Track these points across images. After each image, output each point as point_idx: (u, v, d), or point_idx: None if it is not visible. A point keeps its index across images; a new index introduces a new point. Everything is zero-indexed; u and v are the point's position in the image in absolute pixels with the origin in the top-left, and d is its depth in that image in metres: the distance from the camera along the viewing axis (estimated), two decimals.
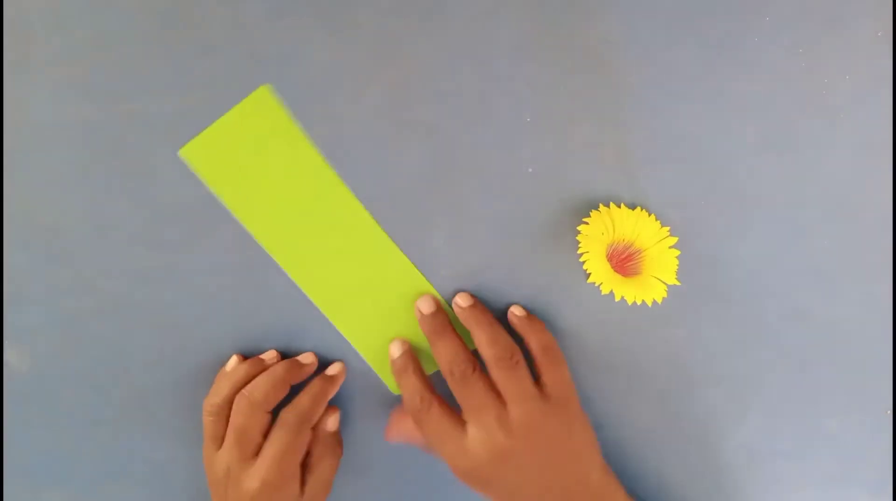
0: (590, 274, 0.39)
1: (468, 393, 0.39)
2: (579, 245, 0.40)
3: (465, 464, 0.38)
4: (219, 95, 0.43)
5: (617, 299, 0.40)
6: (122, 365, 0.45)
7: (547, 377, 0.40)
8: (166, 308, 0.44)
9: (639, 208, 0.43)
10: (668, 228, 0.43)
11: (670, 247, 0.43)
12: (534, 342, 0.41)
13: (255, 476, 0.40)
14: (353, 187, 0.44)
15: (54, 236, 0.44)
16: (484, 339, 0.40)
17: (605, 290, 0.40)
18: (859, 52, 0.43)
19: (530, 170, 0.43)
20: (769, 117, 0.43)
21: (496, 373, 0.39)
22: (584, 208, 0.43)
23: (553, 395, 0.40)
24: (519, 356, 0.40)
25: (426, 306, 0.42)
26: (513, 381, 0.39)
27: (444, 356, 0.40)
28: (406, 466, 0.46)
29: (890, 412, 0.45)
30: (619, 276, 0.41)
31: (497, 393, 0.39)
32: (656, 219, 0.43)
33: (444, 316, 0.42)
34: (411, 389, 0.41)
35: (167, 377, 0.45)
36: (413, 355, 0.42)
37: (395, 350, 0.42)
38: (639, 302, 0.41)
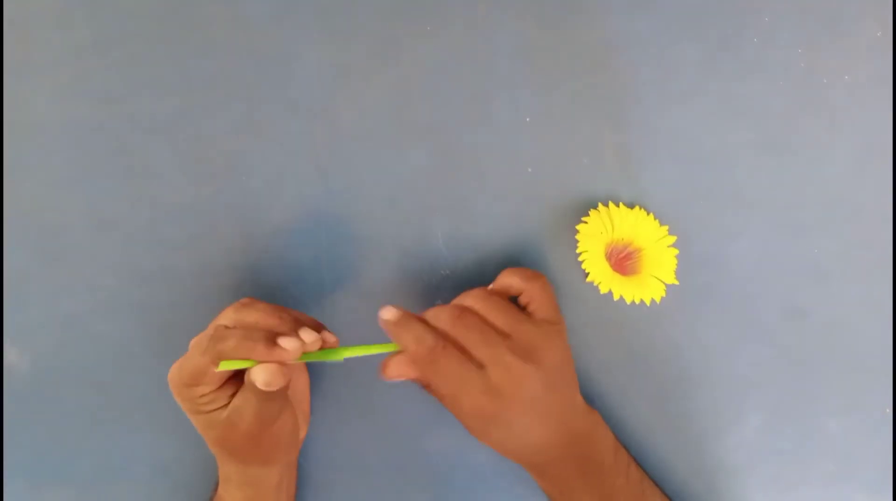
0: (588, 273, 0.39)
1: (450, 360, 0.37)
2: (578, 244, 0.40)
3: (483, 401, 0.37)
4: (219, 95, 0.43)
5: (615, 298, 0.40)
6: (121, 365, 0.45)
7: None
8: (166, 308, 0.44)
9: (637, 208, 0.43)
10: (666, 227, 0.43)
11: (669, 246, 0.43)
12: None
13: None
14: (354, 187, 0.44)
15: (54, 236, 0.44)
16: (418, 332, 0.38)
17: (603, 289, 0.40)
18: (859, 52, 0.43)
19: (530, 170, 0.44)
20: (769, 117, 0.43)
21: (461, 333, 0.38)
22: (584, 208, 0.43)
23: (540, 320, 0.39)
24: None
25: (389, 314, 0.38)
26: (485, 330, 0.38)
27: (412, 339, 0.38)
28: (406, 466, 0.46)
29: (889, 411, 0.45)
30: (617, 275, 0.41)
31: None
32: (655, 218, 0.43)
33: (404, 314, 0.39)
34: (419, 332, 0.37)
35: (167, 377, 0.45)
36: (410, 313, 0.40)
37: (387, 312, 0.39)
38: (637, 301, 0.41)
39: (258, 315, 0.37)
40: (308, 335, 0.36)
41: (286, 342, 0.35)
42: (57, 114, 0.43)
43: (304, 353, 0.37)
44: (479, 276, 0.44)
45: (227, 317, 0.37)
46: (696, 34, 0.43)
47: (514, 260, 0.44)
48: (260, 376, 0.35)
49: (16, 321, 0.44)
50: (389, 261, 0.44)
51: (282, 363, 0.36)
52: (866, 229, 0.44)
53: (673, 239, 0.43)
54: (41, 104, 0.43)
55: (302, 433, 0.42)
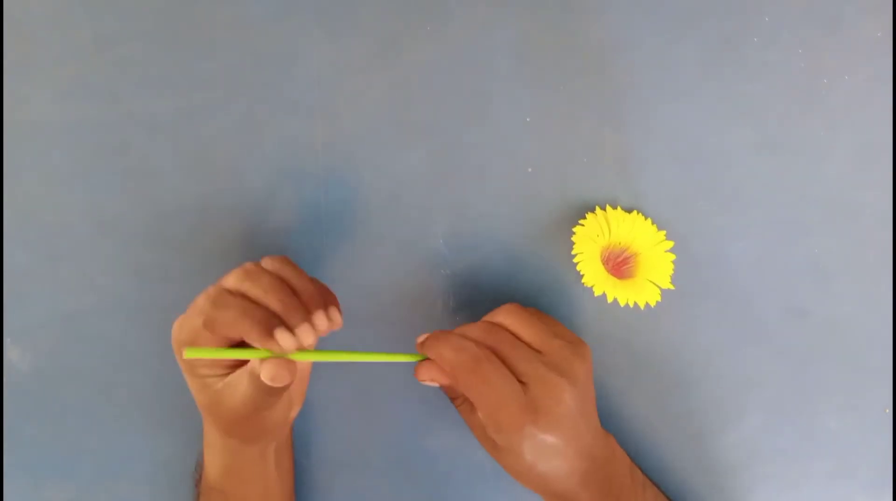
0: (583, 275, 0.40)
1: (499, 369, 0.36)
2: (574, 246, 0.40)
3: (521, 417, 0.35)
4: (219, 95, 0.43)
5: (609, 300, 0.40)
6: (122, 364, 0.45)
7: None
8: (166, 308, 0.44)
9: (635, 212, 0.43)
10: (664, 232, 0.43)
11: (666, 251, 0.43)
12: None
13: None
14: (354, 187, 0.44)
15: (55, 235, 0.44)
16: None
17: (597, 291, 0.40)
18: (859, 52, 0.43)
19: (530, 170, 0.44)
20: (769, 117, 0.43)
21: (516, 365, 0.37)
22: (584, 209, 0.43)
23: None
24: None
25: (422, 337, 0.38)
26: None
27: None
28: (406, 466, 0.46)
29: (889, 410, 0.45)
30: (612, 278, 0.41)
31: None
32: (653, 223, 0.43)
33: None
34: (458, 342, 0.36)
35: (167, 376, 0.45)
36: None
37: (421, 337, 0.39)
38: (631, 305, 0.41)
39: (259, 292, 0.34)
40: (305, 335, 0.34)
41: (282, 338, 0.33)
42: (57, 113, 0.43)
43: (310, 350, 0.35)
44: (479, 276, 0.44)
45: (231, 282, 0.35)
46: (696, 34, 0.43)
47: (514, 260, 0.44)
48: (266, 371, 0.33)
49: (16, 320, 0.44)
50: (389, 261, 0.44)
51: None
52: (866, 229, 0.44)
53: (670, 244, 0.43)
54: (41, 104, 0.43)
55: (293, 413, 0.40)
